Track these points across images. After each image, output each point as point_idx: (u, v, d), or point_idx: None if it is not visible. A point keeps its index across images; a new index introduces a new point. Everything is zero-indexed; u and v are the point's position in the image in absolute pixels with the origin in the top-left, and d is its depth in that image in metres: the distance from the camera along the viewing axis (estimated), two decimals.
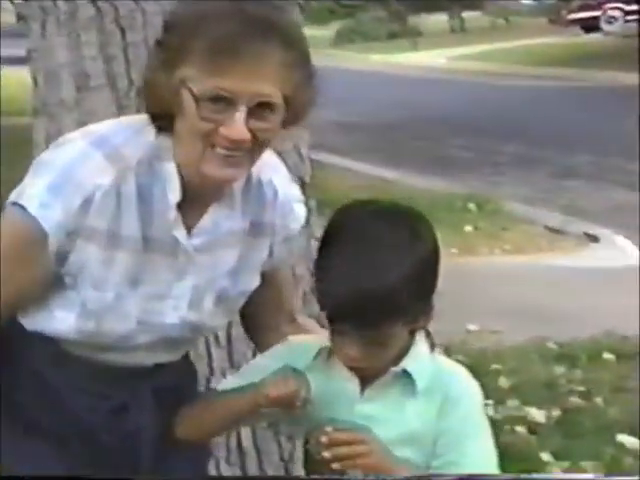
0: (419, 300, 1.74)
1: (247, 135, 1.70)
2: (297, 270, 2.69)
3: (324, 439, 1.73)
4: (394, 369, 1.77)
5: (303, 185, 2.78)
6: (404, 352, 1.79)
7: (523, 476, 2.73)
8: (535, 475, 3.31)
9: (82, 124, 2.50)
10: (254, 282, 1.92)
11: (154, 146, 1.78)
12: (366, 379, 1.79)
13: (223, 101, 1.69)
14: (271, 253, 1.92)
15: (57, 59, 2.62)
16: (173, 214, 1.78)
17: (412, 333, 1.80)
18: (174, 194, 1.77)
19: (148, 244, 1.79)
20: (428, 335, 1.84)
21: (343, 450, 1.73)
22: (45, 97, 2.68)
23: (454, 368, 1.84)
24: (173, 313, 1.84)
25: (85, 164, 1.74)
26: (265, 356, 1.91)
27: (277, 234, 1.91)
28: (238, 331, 2.57)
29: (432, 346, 1.83)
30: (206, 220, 1.82)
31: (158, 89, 1.73)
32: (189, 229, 1.81)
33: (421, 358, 1.80)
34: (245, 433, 2.73)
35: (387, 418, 1.77)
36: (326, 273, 1.74)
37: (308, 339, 1.89)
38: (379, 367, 1.78)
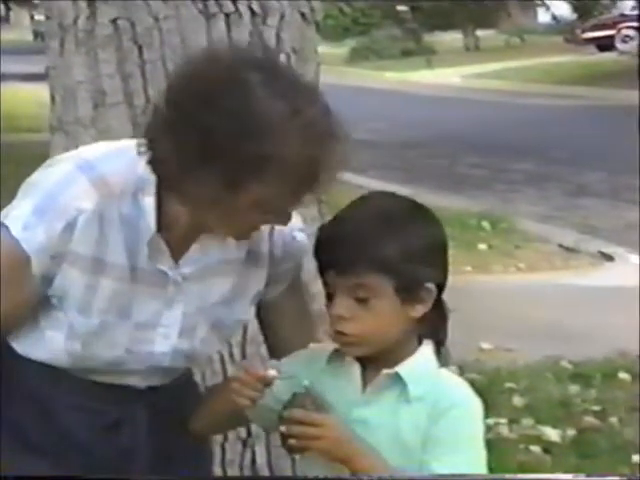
0: (408, 262, 1.75)
1: None
2: (312, 288, 2.69)
3: (286, 413, 1.73)
4: (387, 371, 1.78)
5: (319, 203, 2.79)
6: (405, 356, 1.79)
7: (514, 476, 2.74)
8: (524, 475, 3.32)
9: (98, 141, 2.52)
10: (250, 311, 1.92)
11: (140, 178, 1.75)
12: (367, 381, 1.79)
13: None
14: (276, 281, 1.92)
15: (75, 76, 2.63)
16: (157, 246, 1.76)
17: (419, 338, 1.80)
18: (149, 229, 1.75)
19: (135, 274, 1.78)
20: (439, 351, 1.83)
21: (295, 429, 1.72)
22: (62, 114, 2.69)
23: (453, 380, 1.83)
24: (163, 342, 1.83)
25: (69, 188, 1.74)
26: (284, 360, 1.91)
27: (278, 265, 1.90)
28: (253, 348, 2.58)
29: (444, 362, 1.83)
30: (195, 250, 1.80)
31: (202, 191, 1.67)
32: (177, 259, 1.79)
33: (420, 365, 1.80)
34: (260, 450, 2.72)
35: (381, 422, 1.78)
36: (322, 228, 1.80)
37: (325, 345, 1.89)
38: (370, 342, 1.76)
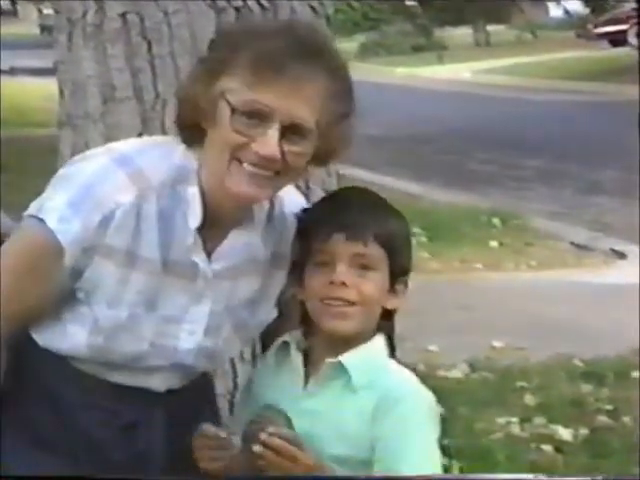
0: (404, 247, 1.85)
1: (278, 153, 1.69)
2: None
3: (262, 436, 1.73)
4: (330, 360, 1.79)
5: None
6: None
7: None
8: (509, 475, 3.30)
9: (107, 136, 2.50)
10: (272, 313, 1.91)
11: (179, 169, 1.76)
12: (313, 374, 1.81)
13: (258, 117, 1.68)
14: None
15: (83, 71, 2.61)
16: (192, 238, 1.77)
17: (377, 327, 1.84)
18: (195, 219, 1.75)
19: (167, 267, 1.77)
20: (390, 341, 1.86)
21: (270, 457, 1.73)
22: (71, 109, 2.67)
23: (399, 370, 1.84)
24: (188, 338, 1.83)
25: (107, 181, 1.73)
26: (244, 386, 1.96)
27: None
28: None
29: (392, 351, 1.86)
30: (226, 245, 1.81)
31: (195, 99, 1.73)
32: (209, 253, 1.80)
33: (365, 354, 1.81)
34: None
35: (326, 412, 1.79)
36: (312, 213, 1.85)
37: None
38: (361, 316, 1.79)
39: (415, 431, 1.78)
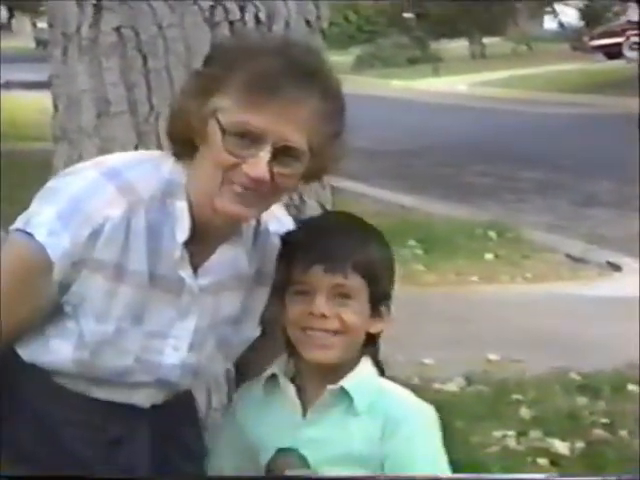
0: (384, 273, 1.84)
1: (267, 175, 1.68)
2: None
3: None
4: (331, 387, 1.80)
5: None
6: (346, 373, 1.82)
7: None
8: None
9: (102, 150, 2.49)
10: (256, 330, 1.91)
11: (168, 183, 1.76)
12: (309, 401, 1.81)
13: (249, 138, 1.68)
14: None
15: (78, 85, 2.61)
16: (180, 252, 1.76)
17: (362, 351, 1.84)
18: (182, 233, 1.75)
19: (154, 280, 1.77)
20: (377, 362, 1.87)
21: None
22: (65, 123, 2.67)
23: (397, 390, 1.85)
24: (173, 353, 1.82)
25: (96, 195, 1.73)
26: (222, 423, 1.97)
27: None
28: None
29: (381, 372, 1.86)
30: (213, 260, 1.81)
31: (187, 116, 1.73)
32: (195, 268, 1.80)
33: (362, 377, 1.82)
34: None
35: (331, 438, 1.79)
36: (292, 240, 1.85)
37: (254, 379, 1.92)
38: (342, 346, 1.80)
39: (422, 446, 1.80)
